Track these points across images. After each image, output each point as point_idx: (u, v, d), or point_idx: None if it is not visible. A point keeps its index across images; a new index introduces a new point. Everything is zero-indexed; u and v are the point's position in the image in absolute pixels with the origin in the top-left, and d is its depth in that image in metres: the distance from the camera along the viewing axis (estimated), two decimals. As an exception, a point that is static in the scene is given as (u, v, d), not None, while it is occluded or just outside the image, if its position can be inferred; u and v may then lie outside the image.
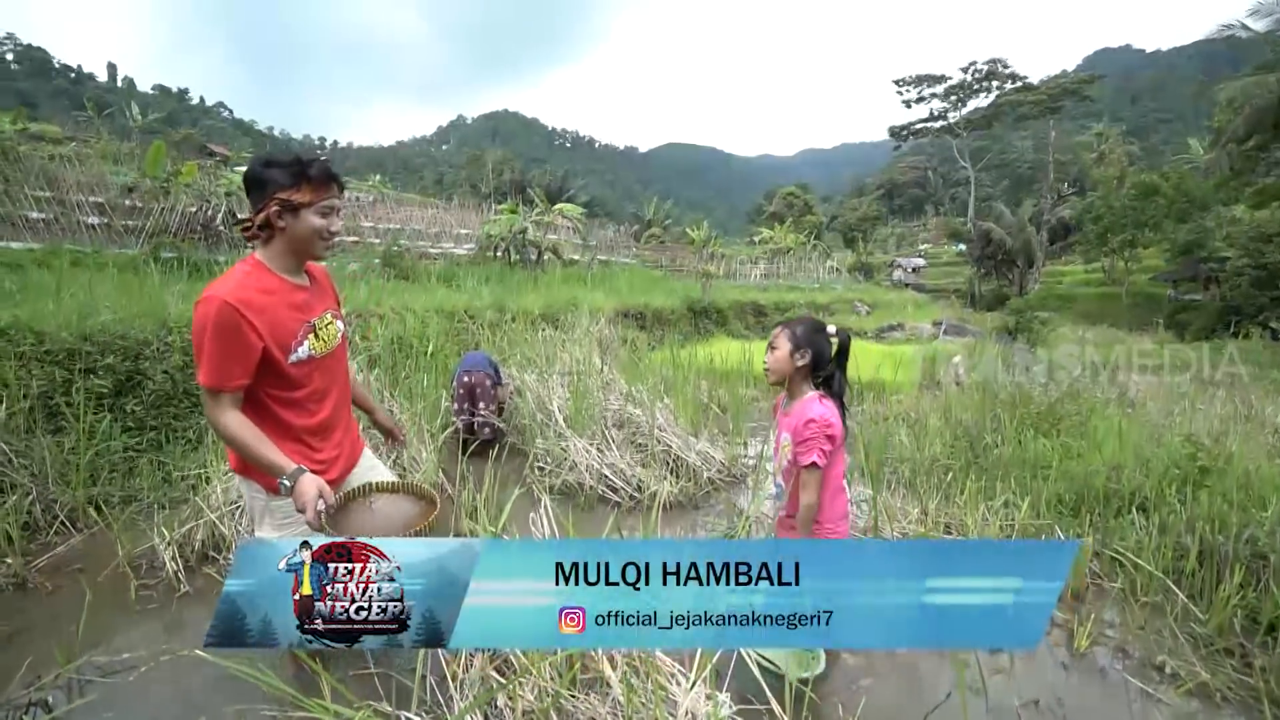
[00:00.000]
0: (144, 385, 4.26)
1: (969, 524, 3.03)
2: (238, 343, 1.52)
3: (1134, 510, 2.98)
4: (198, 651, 2.11)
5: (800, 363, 2.05)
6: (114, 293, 5.54)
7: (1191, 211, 23.02)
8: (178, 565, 2.85)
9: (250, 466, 1.65)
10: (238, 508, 3.08)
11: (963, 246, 41.66)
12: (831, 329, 2.10)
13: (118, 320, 4.39)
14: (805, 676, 2.00)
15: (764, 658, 2.01)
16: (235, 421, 1.56)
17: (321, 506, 1.52)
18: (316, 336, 1.69)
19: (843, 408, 2.08)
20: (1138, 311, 25.21)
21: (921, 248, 51.14)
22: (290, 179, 1.56)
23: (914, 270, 40.41)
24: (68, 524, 3.35)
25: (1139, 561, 2.61)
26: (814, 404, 2.01)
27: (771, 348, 2.11)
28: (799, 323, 2.12)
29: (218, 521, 3.03)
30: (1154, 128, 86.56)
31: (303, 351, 1.65)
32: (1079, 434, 4.19)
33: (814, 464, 1.94)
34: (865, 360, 7.46)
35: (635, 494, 3.87)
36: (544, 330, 6.62)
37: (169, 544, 2.90)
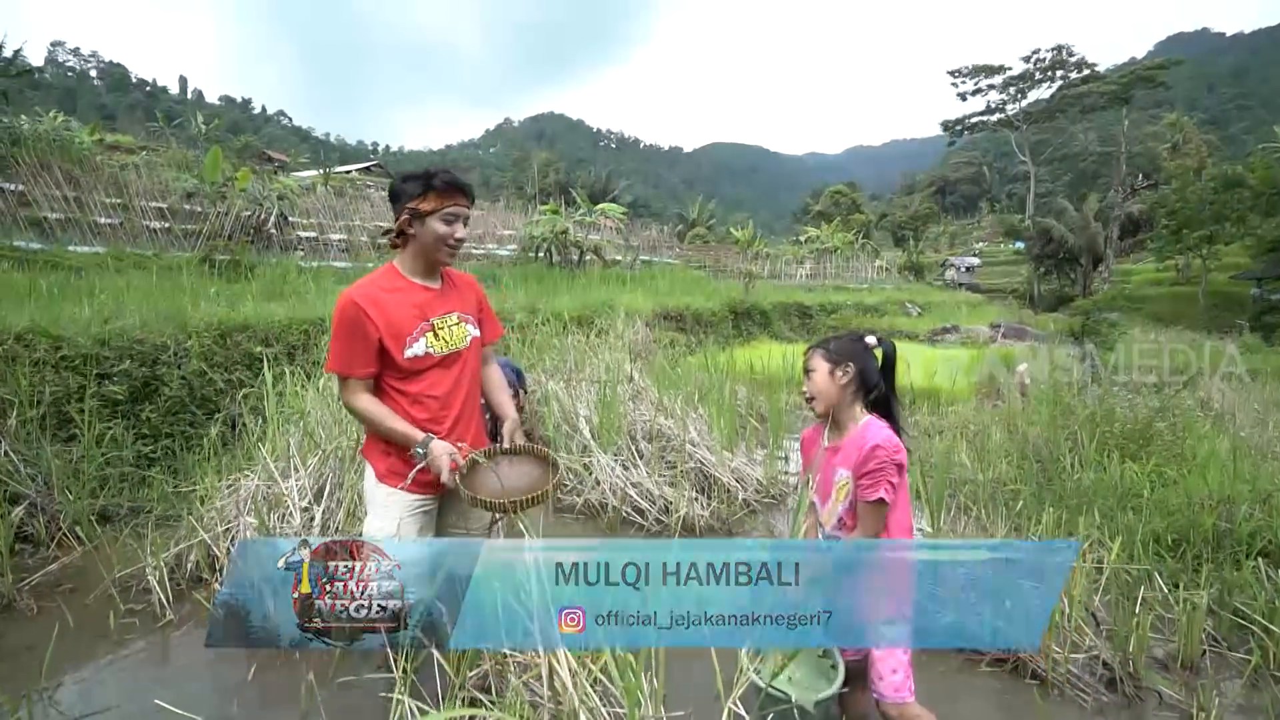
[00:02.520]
0: (160, 392, 4.16)
1: (1047, 566, 2.58)
2: (358, 335, 1.69)
3: (1257, 558, 2.48)
4: (157, 702, 1.89)
5: (843, 380, 1.70)
6: (147, 296, 5.53)
7: (1282, 204, 21.20)
8: (165, 590, 2.66)
9: (369, 449, 1.83)
10: (232, 528, 2.88)
11: (1021, 244, 39.71)
12: (871, 338, 1.76)
13: (136, 325, 4.30)
14: (821, 699, 1.64)
15: (775, 688, 1.66)
16: (364, 401, 1.73)
17: (450, 470, 1.66)
18: (435, 335, 1.78)
19: (899, 434, 1.71)
20: (1216, 313, 23.47)
21: (976, 246, 49.08)
22: (419, 190, 1.71)
23: (968, 270, 38.75)
24: (71, 537, 3.23)
25: (1271, 626, 2.13)
26: (875, 428, 1.66)
27: (808, 372, 1.76)
28: (832, 338, 1.79)
29: (212, 543, 2.84)
30: (1235, 116, 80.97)
31: (419, 348, 1.76)
32: (1172, 456, 3.65)
33: (881, 499, 1.60)
34: (917, 366, 6.93)
35: (661, 516, 3.54)
36: (574, 334, 6.34)
37: (156, 567, 2.71)
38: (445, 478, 1.66)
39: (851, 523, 1.71)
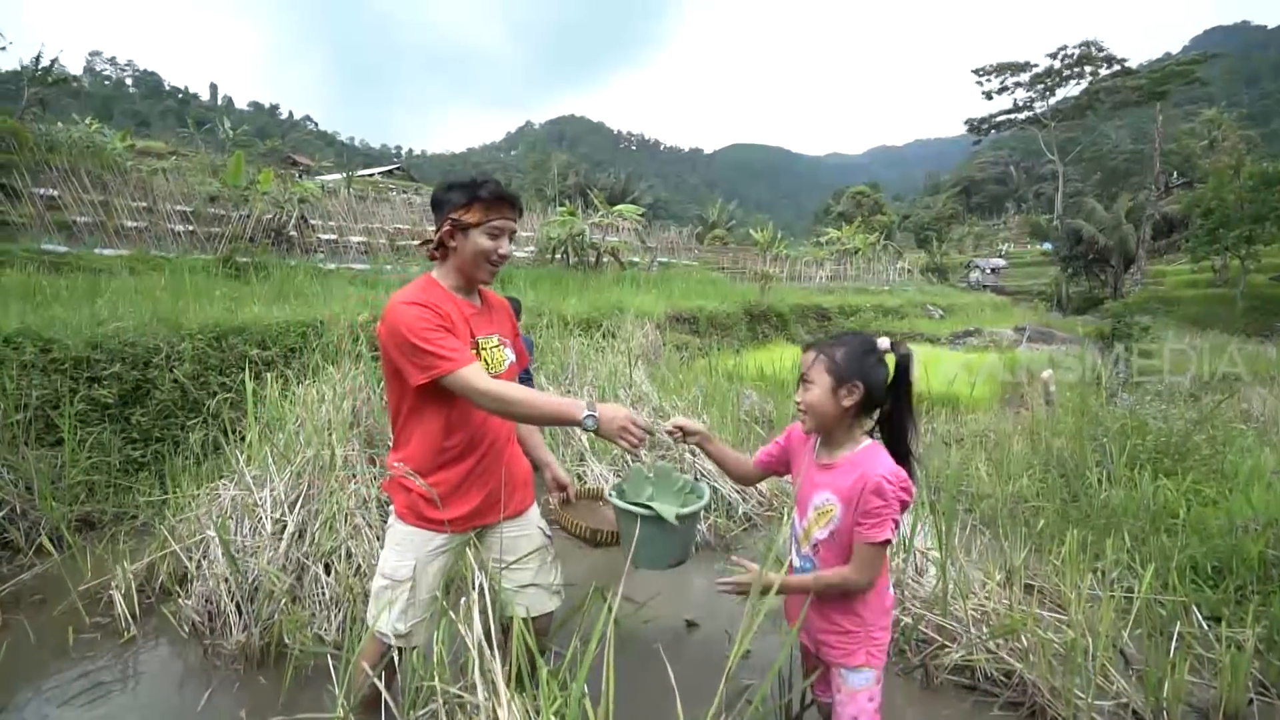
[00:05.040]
0: (151, 395, 4.09)
1: (1069, 595, 2.33)
2: (442, 327, 1.54)
3: (1311, 593, 2.22)
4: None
5: (847, 402, 1.45)
6: (150, 298, 5.50)
7: (1325, 203, 20.33)
8: (132, 603, 2.56)
9: (392, 484, 1.69)
10: (205, 539, 2.77)
11: (1048, 245, 38.75)
12: (884, 343, 1.48)
13: (128, 327, 4.24)
14: (683, 513, 1.59)
15: (638, 504, 1.63)
16: (498, 385, 1.53)
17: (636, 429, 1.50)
18: (478, 355, 1.66)
19: (909, 464, 1.48)
20: (1255, 315, 22.57)
21: (1001, 247, 48.02)
22: (463, 199, 1.60)
23: (993, 271, 37.84)
24: (51, 544, 3.15)
25: (1329, 675, 1.89)
26: (878, 456, 1.45)
27: (804, 381, 1.50)
28: (838, 344, 1.49)
29: (183, 554, 2.72)
30: (1275, 112, 78.31)
31: None
32: (1211, 472, 3.37)
33: (887, 540, 1.40)
34: (937, 370, 6.66)
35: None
36: (579, 337, 6.19)
37: (122, 579, 2.60)
38: (637, 434, 1.50)
39: (828, 552, 1.50)
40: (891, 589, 1.56)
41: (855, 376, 1.45)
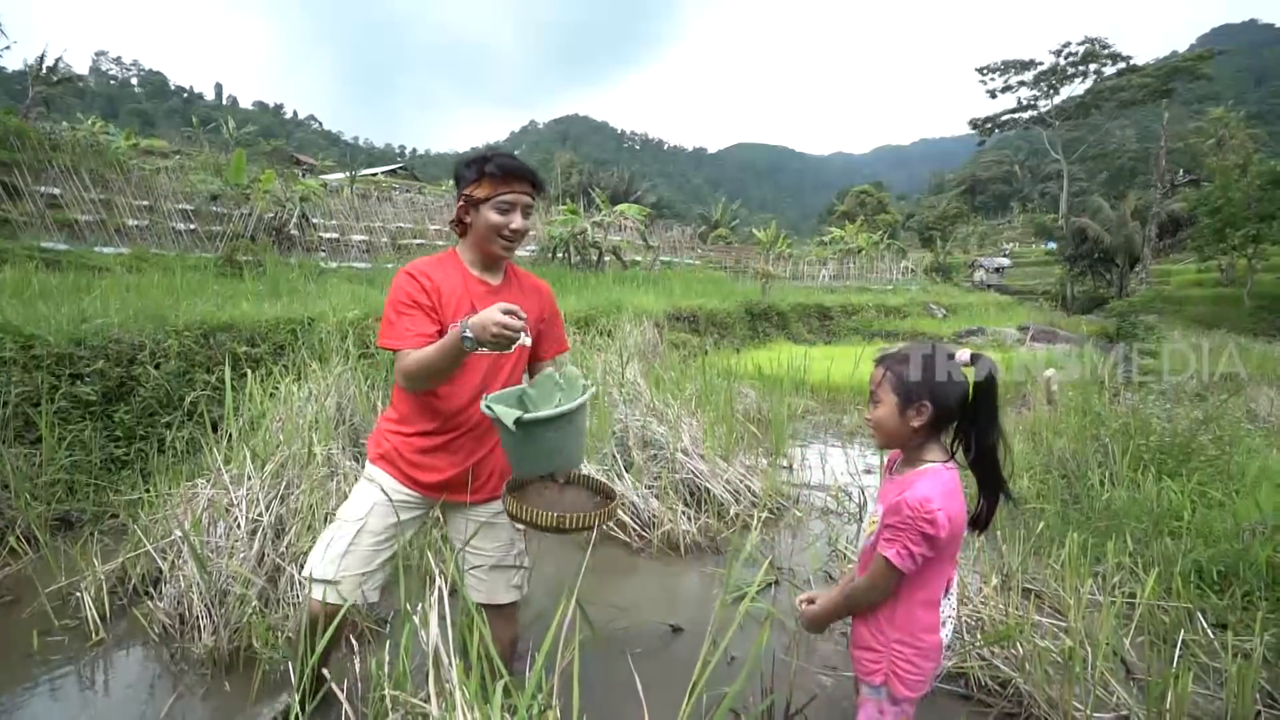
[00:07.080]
0: (135, 392, 4.03)
1: (1069, 600, 2.24)
2: (414, 303, 1.59)
3: (1321, 600, 2.13)
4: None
5: (915, 423, 1.36)
6: (141, 295, 5.45)
7: (1334, 201, 20.13)
8: (102, 605, 2.49)
9: (376, 435, 1.74)
10: (175, 540, 2.70)
11: (1053, 245, 38.53)
12: (963, 355, 1.36)
13: (113, 323, 4.18)
14: (527, 417, 1.43)
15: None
16: (406, 359, 1.52)
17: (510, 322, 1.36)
18: None
19: (996, 491, 1.40)
20: (1262, 315, 22.36)
21: (1006, 247, 47.74)
22: (474, 175, 1.61)
23: (997, 270, 37.57)
24: (27, 544, 3.09)
25: (1341, 687, 1.79)
26: (927, 480, 1.33)
27: (873, 400, 1.42)
28: (907, 358, 1.38)
29: (156, 554, 2.65)
30: (1283, 111, 77.80)
31: None
32: (1216, 473, 3.27)
33: (889, 562, 1.30)
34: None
35: (644, 532, 3.27)
36: (575, 336, 6.12)
37: (92, 580, 2.53)
38: (516, 323, 1.36)
39: (862, 564, 1.47)
40: (942, 607, 1.40)
41: (923, 396, 1.35)
